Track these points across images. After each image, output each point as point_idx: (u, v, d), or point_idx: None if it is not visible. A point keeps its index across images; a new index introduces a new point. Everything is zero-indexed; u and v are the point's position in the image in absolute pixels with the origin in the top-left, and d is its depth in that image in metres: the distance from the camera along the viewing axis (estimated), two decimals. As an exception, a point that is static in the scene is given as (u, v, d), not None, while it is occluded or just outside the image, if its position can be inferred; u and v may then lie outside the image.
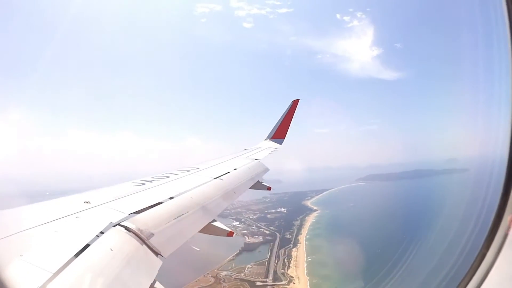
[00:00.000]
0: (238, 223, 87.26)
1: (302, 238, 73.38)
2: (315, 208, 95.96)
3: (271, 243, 71.46)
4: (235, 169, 6.51)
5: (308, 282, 54.14)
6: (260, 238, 74.29)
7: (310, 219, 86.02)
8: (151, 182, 4.65)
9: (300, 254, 64.83)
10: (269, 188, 7.09)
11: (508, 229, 2.48)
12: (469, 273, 2.56)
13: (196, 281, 55.31)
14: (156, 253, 2.89)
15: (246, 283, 54.65)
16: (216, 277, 56.92)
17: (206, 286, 54.07)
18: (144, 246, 2.85)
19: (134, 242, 2.80)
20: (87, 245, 2.42)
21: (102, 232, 2.69)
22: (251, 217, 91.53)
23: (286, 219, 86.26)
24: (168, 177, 5.12)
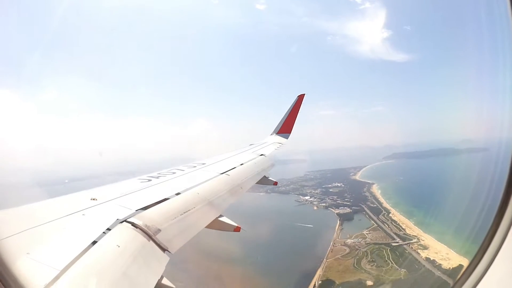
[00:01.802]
0: (308, 197, 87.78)
1: (386, 205, 76.75)
2: (369, 181, 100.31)
3: (363, 212, 73.61)
4: (241, 164, 6.54)
5: (433, 237, 57.59)
6: (347, 209, 75.86)
7: (375, 191, 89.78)
8: (157, 178, 4.72)
9: (400, 218, 67.88)
10: (275, 183, 7.13)
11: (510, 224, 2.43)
12: (471, 265, 2.56)
13: (331, 252, 55.48)
14: (163, 249, 2.91)
15: (382, 245, 56.14)
16: (345, 245, 57.45)
17: (344, 254, 54.65)
18: (151, 242, 2.87)
19: (141, 238, 2.82)
20: (94, 242, 2.45)
21: (109, 229, 2.72)
22: (313, 191, 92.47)
23: (353, 192, 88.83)
24: (174, 173, 5.18)
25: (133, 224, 2.90)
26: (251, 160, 7.27)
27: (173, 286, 3.06)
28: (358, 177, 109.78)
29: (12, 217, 2.76)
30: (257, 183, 6.51)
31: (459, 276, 2.59)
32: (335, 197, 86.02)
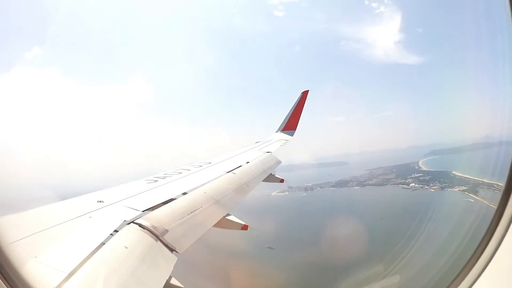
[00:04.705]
0: (405, 186, 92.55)
1: (489, 181, 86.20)
2: (443, 170, 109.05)
3: (479, 186, 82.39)
4: (248, 162, 6.52)
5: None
6: (463, 187, 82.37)
7: (462, 174, 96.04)
8: (163, 178, 4.74)
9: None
10: (282, 181, 7.11)
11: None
12: (470, 262, 2.56)
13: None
14: (171, 249, 2.93)
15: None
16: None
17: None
18: (159, 242, 2.90)
19: (149, 239, 2.85)
20: (102, 244, 2.48)
21: (116, 231, 2.75)
22: (405, 180, 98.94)
23: (442, 177, 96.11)
24: (180, 173, 5.21)
25: (140, 225, 2.93)
26: (257, 158, 7.27)
27: (182, 286, 3.06)
28: (425, 168, 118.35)
29: (18, 221, 2.82)
30: (263, 180, 6.58)
31: (456, 275, 2.57)
32: (425, 185, 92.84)
